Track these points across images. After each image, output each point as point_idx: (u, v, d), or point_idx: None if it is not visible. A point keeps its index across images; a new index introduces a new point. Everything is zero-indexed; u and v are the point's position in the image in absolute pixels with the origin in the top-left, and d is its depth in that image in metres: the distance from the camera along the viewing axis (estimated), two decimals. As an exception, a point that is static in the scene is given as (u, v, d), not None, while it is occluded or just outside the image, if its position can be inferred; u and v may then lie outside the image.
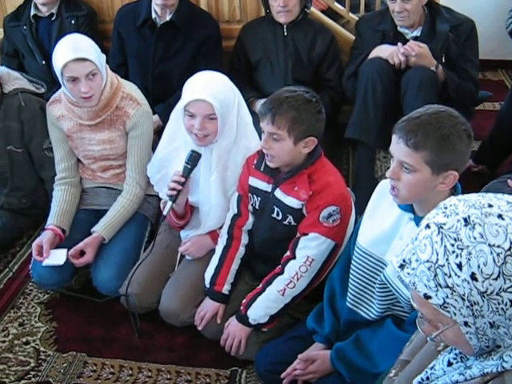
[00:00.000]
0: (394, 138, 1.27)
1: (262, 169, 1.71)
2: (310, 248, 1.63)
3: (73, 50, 1.82)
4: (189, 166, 1.74)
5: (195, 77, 1.75)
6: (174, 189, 1.74)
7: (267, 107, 1.57)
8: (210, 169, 1.79)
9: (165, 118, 1.99)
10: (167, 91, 2.48)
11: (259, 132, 1.68)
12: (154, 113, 2.24)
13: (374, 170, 2.48)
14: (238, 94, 1.77)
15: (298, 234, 1.67)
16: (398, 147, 1.26)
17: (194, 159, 1.73)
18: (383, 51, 2.31)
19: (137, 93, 2.04)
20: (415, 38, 2.37)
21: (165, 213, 1.76)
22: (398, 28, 2.39)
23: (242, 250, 1.81)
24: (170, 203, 1.75)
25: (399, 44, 2.29)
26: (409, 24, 2.35)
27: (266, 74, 2.53)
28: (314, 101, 1.59)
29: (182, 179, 1.74)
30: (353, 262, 1.49)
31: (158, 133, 2.12)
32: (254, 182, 1.74)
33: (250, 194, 1.76)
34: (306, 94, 1.59)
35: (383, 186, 1.46)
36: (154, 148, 2.01)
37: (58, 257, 1.91)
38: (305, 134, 1.58)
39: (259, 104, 2.32)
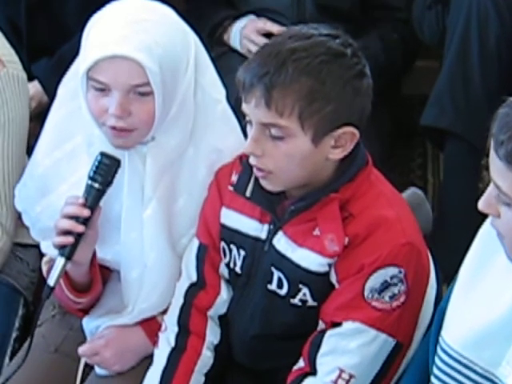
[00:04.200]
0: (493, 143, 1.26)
1: (248, 193, 1.58)
2: (346, 352, 1.50)
3: None
4: (96, 185, 1.61)
5: (105, 13, 1.65)
6: (67, 232, 1.60)
7: (255, 72, 1.48)
8: (142, 195, 1.68)
9: (52, 89, 1.91)
10: (56, 35, 2.37)
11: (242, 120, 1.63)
12: (30, 78, 2.17)
13: (480, 189, 2.30)
14: (195, 41, 1.69)
15: (322, 325, 1.55)
16: (493, 159, 1.25)
17: (106, 170, 1.63)
18: None
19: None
20: None
21: (52, 281, 1.61)
22: None
23: (206, 357, 1.67)
24: (60, 260, 1.60)
25: None
26: None
27: None
28: (350, 53, 1.50)
29: (85, 212, 1.60)
30: (434, 376, 1.42)
31: (39, 117, 2.04)
32: (233, 218, 1.64)
33: (223, 244, 1.65)
34: (331, 40, 1.50)
35: (492, 230, 1.36)
36: (30, 150, 1.88)
37: None
38: (335, 123, 1.48)
39: (236, 30, 2.29)
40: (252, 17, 2.35)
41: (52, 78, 2.04)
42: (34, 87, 2.29)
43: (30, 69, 2.17)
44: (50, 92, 2.13)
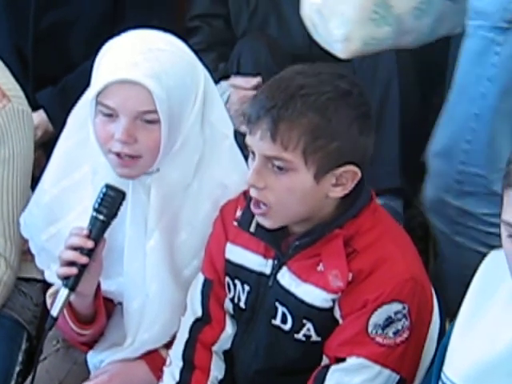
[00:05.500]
0: None
1: (252, 229, 1.58)
2: (350, 388, 1.53)
3: None
4: (101, 217, 1.62)
5: (119, 40, 1.67)
6: (71, 263, 1.59)
7: (262, 104, 1.49)
8: (146, 226, 1.69)
9: (58, 118, 2.00)
10: (62, 64, 2.38)
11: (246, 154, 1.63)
12: (35, 107, 2.15)
13: None
14: (205, 76, 1.69)
15: (326, 360, 1.54)
16: None
17: (110, 202, 1.63)
18: None
19: (1, 74, 1.94)
20: None
21: (55, 312, 1.60)
22: None
23: (210, 393, 1.68)
24: (64, 292, 1.60)
25: None
26: None
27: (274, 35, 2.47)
28: (356, 93, 1.51)
29: (89, 243, 1.60)
30: (437, 413, 1.41)
31: (45, 147, 2.09)
32: (237, 254, 1.63)
33: (227, 279, 1.65)
34: (338, 79, 1.51)
35: (495, 263, 1.38)
36: (35, 181, 1.88)
37: None
38: (338, 160, 1.49)
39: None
40: (224, 85, 2.36)
41: (57, 107, 2.08)
42: (39, 116, 2.30)
43: (34, 97, 2.16)
44: (55, 121, 2.16)
